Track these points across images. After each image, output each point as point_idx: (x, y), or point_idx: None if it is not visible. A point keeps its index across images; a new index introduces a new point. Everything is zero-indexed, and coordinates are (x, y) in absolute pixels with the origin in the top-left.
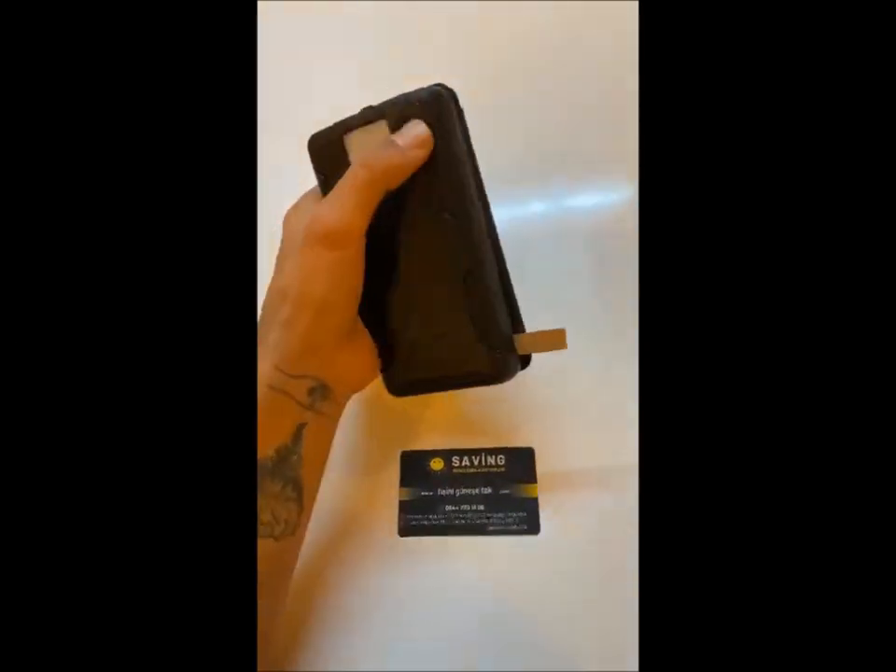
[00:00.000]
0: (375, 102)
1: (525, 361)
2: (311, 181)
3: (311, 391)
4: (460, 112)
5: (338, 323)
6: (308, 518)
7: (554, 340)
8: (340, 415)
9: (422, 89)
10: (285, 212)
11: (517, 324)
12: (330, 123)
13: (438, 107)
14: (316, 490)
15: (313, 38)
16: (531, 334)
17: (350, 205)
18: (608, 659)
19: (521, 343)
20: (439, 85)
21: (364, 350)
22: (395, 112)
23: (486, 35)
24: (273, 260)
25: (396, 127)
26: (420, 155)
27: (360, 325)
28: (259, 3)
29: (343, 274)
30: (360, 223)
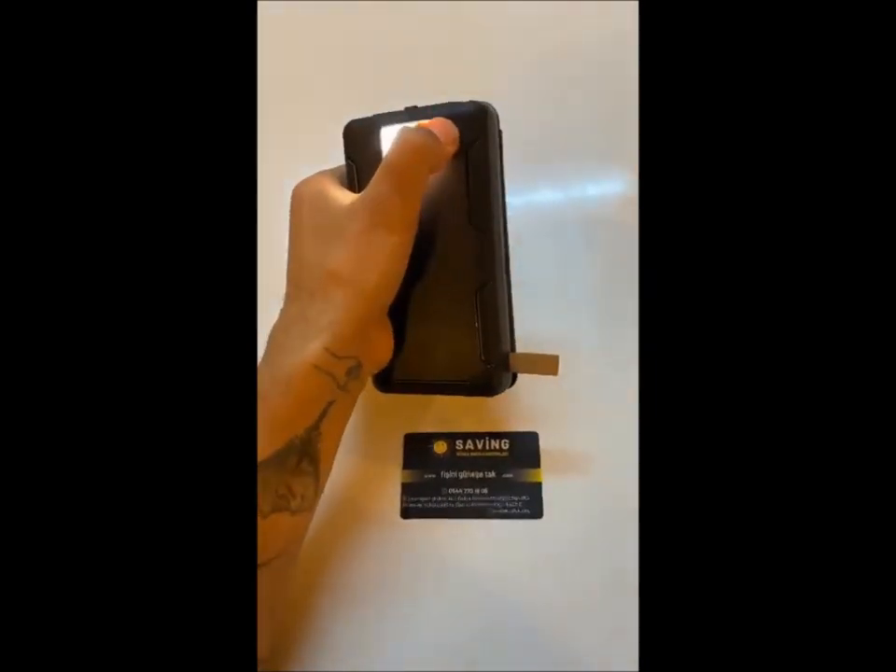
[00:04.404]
0: (381, 103)
1: (513, 379)
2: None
3: (349, 371)
4: (500, 133)
5: (384, 305)
6: (322, 492)
7: (547, 365)
8: (360, 392)
9: (471, 101)
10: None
11: (511, 343)
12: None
13: (483, 122)
14: (331, 465)
15: (314, 39)
16: (525, 355)
17: (407, 190)
18: (609, 643)
19: (514, 362)
20: (486, 103)
21: (388, 331)
22: (441, 117)
23: (494, 34)
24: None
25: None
26: (451, 151)
27: None
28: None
29: (398, 258)
30: (417, 207)
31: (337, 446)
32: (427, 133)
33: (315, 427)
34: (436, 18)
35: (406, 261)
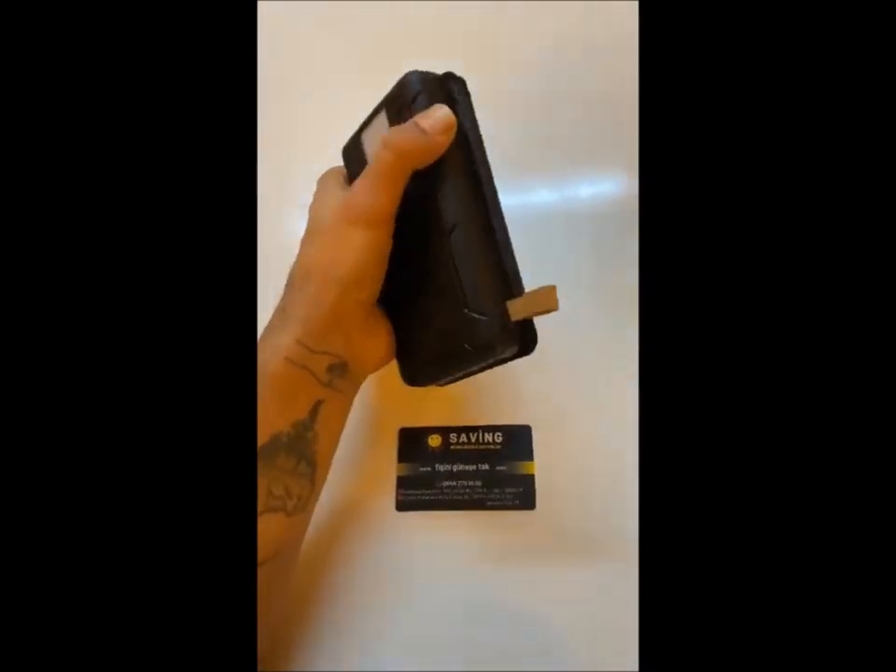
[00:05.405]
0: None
1: (529, 341)
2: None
3: (330, 368)
4: (467, 94)
5: (362, 300)
6: (318, 495)
7: (545, 300)
8: (355, 394)
9: (415, 73)
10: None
11: (517, 290)
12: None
13: (446, 86)
14: (328, 467)
15: (314, 39)
16: (521, 298)
17: (380, 187)
18: (603, 634)
19: (512, 309)
20: (447, 73)
21: (382, 332)
22: (393, 103)
23: (494, 33)
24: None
25: (395, 117)
26: (444, 139)
27: (378, 308)
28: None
29: (371, 253)
30: (391, 204)
31: (334, 449)
32: (412, 129)
33: (307, 426)
34: (435, 17)
35: (383, 257)
